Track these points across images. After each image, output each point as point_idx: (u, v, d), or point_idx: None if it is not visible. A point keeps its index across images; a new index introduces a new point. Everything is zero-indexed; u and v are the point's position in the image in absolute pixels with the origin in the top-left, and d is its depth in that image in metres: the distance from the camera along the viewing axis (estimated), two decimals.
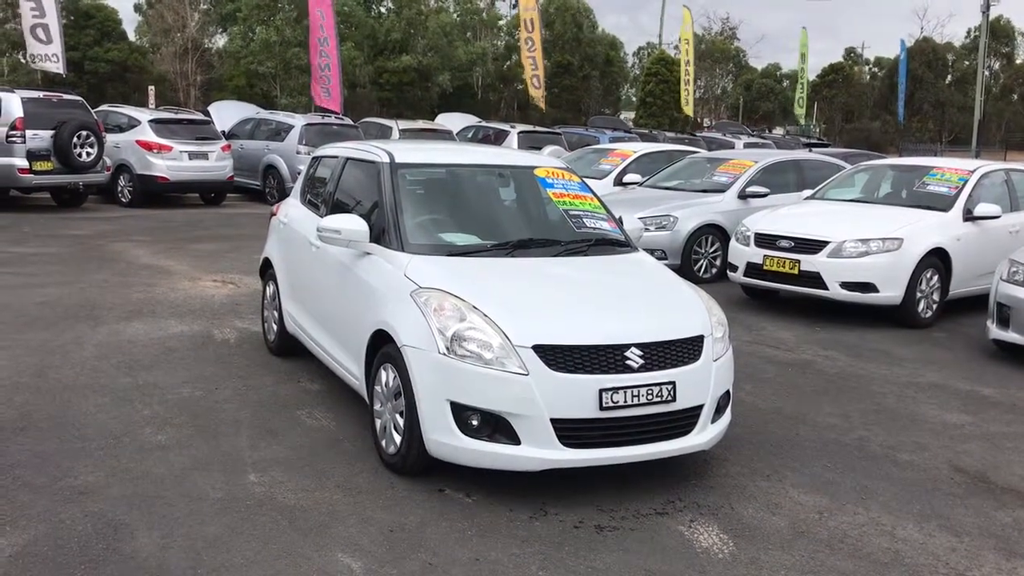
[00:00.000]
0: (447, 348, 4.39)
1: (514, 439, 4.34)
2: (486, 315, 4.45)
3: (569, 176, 5.96)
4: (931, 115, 74.95)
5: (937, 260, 9.16)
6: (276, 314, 6.82)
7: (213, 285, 9.73)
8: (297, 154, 17.95)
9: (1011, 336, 7.73)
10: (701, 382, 4.65)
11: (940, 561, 4.09)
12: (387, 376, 4.78)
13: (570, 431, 4.34)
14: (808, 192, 11.03)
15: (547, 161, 6.18)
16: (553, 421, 4.30)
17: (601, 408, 4.33)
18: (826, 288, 8.97)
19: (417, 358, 4.48)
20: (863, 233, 9.01)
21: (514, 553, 3.99)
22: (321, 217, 5.94)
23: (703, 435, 4.69)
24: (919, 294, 9.03)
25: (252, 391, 6.11)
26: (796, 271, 9.12)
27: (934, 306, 9.23)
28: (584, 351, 4.37)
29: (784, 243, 9.29)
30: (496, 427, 4.36)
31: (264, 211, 17.08)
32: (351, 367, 5.31)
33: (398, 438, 4.69)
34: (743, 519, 4.44)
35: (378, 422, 4.93)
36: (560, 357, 4.34)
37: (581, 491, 4.60)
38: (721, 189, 11.85)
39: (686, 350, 4.63)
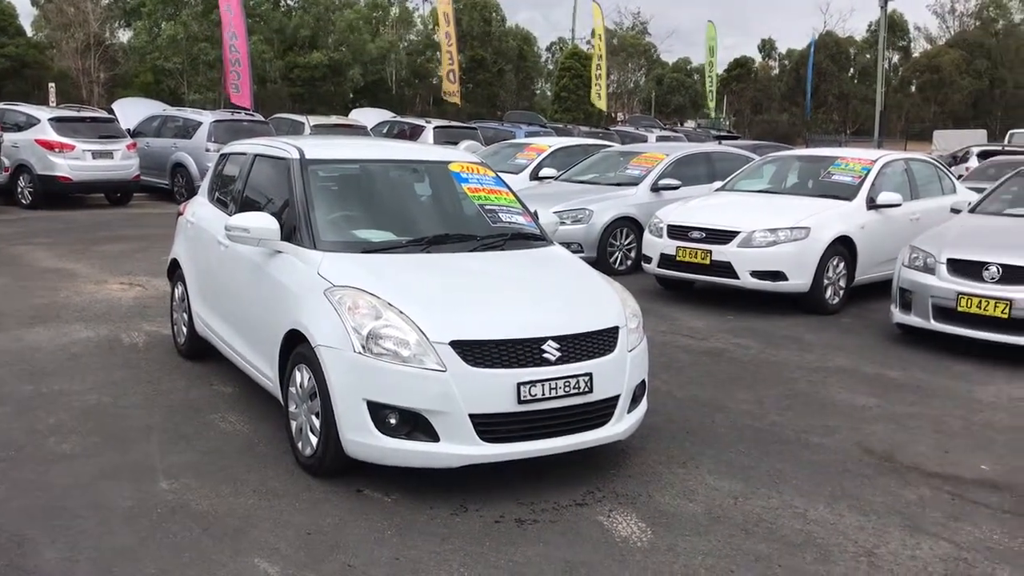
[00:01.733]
0: (363, 347, 4.34)
1: (433, 436, 4.31)
2: (402, 312, 4.41)
3: (484, 171, 5.95)
4: (835, 107, 77.20)
5: (843, 248, 9.42)
6: (185, 316, 6.65)
7: (120, 288, 9.44)
8: (206, 152, 17.55)
9: (913, 320, 7.99)
10: (617, 373, 4.69)
11: (849, 540, 4.21)
12: (302, 377, 4.70)
13: (489, 426, 4.33)
14: (719, 184, 11.23)
15: (462, 156, 6.15)
16: (472, 416, 4.29)
17: (519, 402, 4.33)
18: (737, 277, 9.15)
19: (332, 358, 4.41)
20: (771, 223, 9.21)
21: (435, 551, 3.96)
22: (230, 216, 5.82)
23: (620, 425, 4.73)
24: (826, 281, 9.28)
25: (162, 396, 5.95)
26: (708, 261, 9.28)
27: (840, 292, 9.50)
28: (501, 345, 4.37)
29: (696, 234, 9.44)
30: (414, 425, 4.33)
31: (173, 211, 16.58)
32: (264, 369, 5.21)
33: (314, 439, 4.62)
34: (660, 507, 4.50)
35: (293, 424, 4.85)
36: (477, 352, 4.33)
37: (501, 486, 4.60)
38: (634, 182, 11.98)
39: (601, 342, 4.66)
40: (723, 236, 9.25)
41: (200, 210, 6.60)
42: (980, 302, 7.48)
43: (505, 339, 4.38)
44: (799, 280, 9.10)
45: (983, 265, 7.58)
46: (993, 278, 7.48)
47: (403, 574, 3.77)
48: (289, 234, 5.15)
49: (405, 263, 4.97)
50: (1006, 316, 7.36)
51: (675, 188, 11.67)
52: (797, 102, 72.69)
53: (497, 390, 4.31)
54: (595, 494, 4.61)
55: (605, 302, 4.92)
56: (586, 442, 4.59)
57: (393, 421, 4.33)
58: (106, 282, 9.71)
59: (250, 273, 5.40)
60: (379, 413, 4.33)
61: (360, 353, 4.33)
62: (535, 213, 5.92)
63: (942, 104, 74.67)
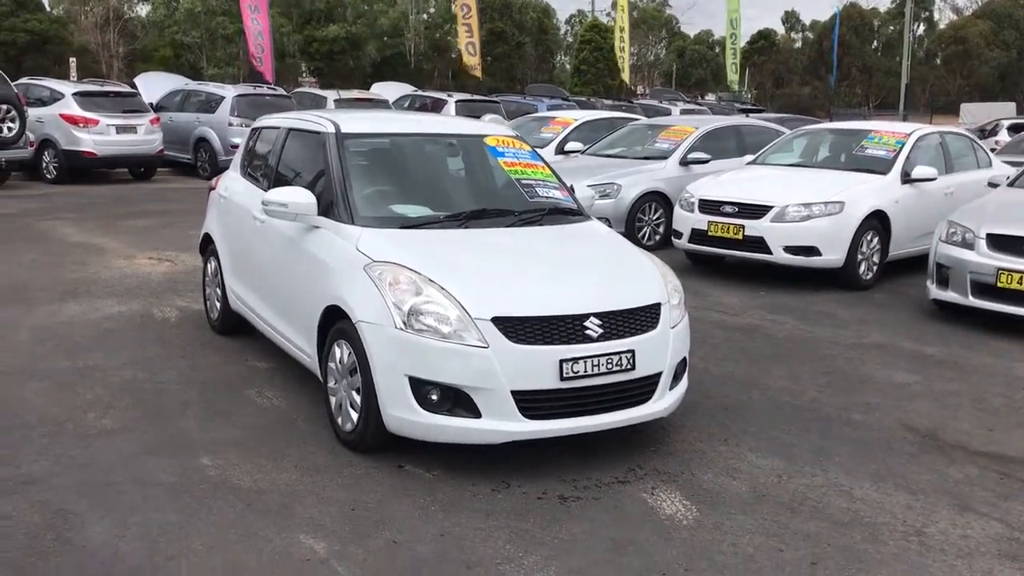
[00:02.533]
0: (404, 323, 4.30)
1: (475, 412, 4.28)
2: (443, 288, 4.37)
3: (519, 144, 5.88)
4: (858, 80, 76.34)
5: (877, 223, 9.30)
6: (219, 291, 6.63)
7: (149, 263, 9.45)
8: (229, 126, 17.55)
9: (950, 296, 7.88)
10: (659, 349, 4.63)
11: (897, 519, 4.16)
12: (341, 352, 4.67)
13: (531, 402, 4.29)
14: (749, 157, 11.11)
15: (497, 129, 6.08)
16: (514, 393, 4.25)
17: (561, 378, 4.29)
18: (770, 252, 9.06)
19: (373, 334, 4.38)
20: (805, 197, 9.09)
21: (479, 527, 3.94)
22: (264, 190, 5.79)
23: (662, 402, 4.68)
24: (860, 256, 9.17)
25: (198, 371, 5.94)
26: (740, 236, 9.18)
27: (874, 268, 9.39)
28: (543, 322, 4.32)
29: (728, 209, 9.34)
30: (456, 401, 4.30)
31: (197, 185, 16.69)
32: (302, 344, 5.19)
33: (355, 415, 4.60)
34: (704, 484, 4.46)
35: (333, 400, 4.83)
36: (519, 329, 4.28)
37: (543, 463, 4.57)
38: (663, 156, 11.86)
39: (644, 318, 4.61)
40: (756, 211, 9.14)
41: (233, 184, 6.57)
42: (1021, 278, 7.36)
43: (547, 316, 4.34)
44: (833, 255, 8.99)
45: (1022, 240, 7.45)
46: None
47: (449, 550, 3.75)
48: (326, 209, 5.11)
49: (443, 239, 4.92)
50: None
51: (704, 162, 11.54)
52: (819, 75, 71.97)
53: (539, 367, 4.27)
54: (637, 471, 4.57)
55: (647, 278, 4.86)
56: (628, 419, 4.55)
57: (435, 397, 4.30)
58: (135, 257, 9.72)
59: (287, 248, 5.37)
60: (421, 389, 4.30)
61: (401, 329, 4.30)
62: (571, 187, 5.85)
63: (968, 77, 73.73)
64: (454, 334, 4.25)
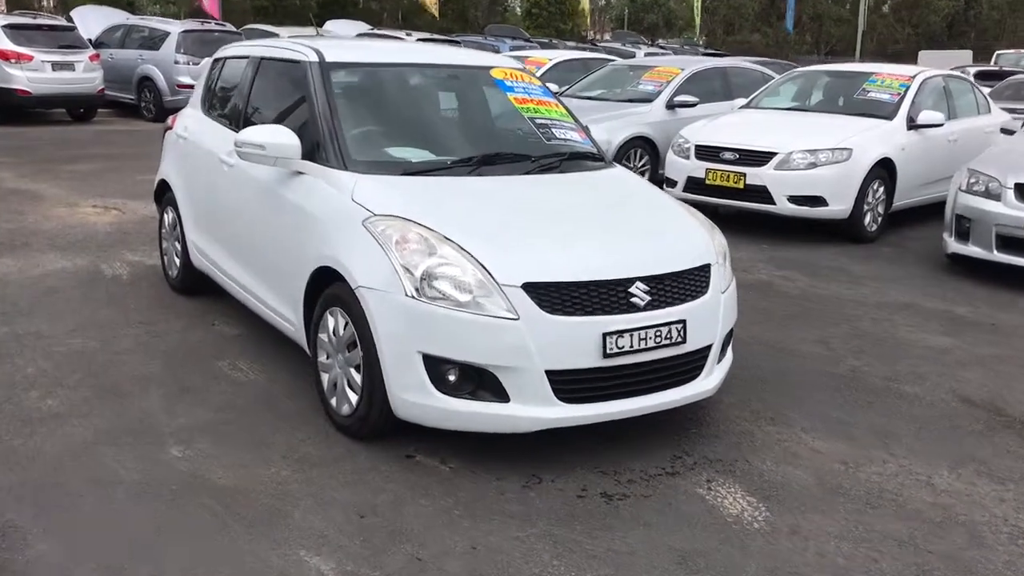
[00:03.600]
0: (416, 289, 3.58)
1: (501, 396, 3.59)
2: (462, 248, 3.65)
3: (529, 79, 5.12)
4: (808, 28, 75.88)
5: (883, 171, 8.72)
6: (179, 246, 5.82)
7: (94, 212, 8.54)
8: (176, 64, 16.41)
9: (972, 250, 7.35)
10: (710, 318, 3.99)
11: (996, 516, 3.59)
12: (335, 323, 3.94)
13: (568, 384, 3.62)
14: (741, 101, 10.44)
15: (503, 61, 5.31)
16: (548, 373, 3.57)
17: (604, 355, 3.62)
18: (773, 203, 8.44)
19: (378, 302, 3.65)
20: (811, 143, 8.47)
21: (516, 537, 3.28)
22: (234, 130, 4.99)
23: (710, 379, 4.05)
24: (866, 207, 8.60)
25: (158, 339, 5.16)
26: (741, 185, 8.54)
27: (879, 219, 8.84)
28: (583, 288, 3.63)
29: (728, 155, 8.68)
30: (479, 382, 3.61)
31: (142, 128, 15.61)
32: (284, 311, 4.44)
33: (354, 397, 3.89)
34: (764, 475, 3.84)
35: (325, 377, 4.11)
36: (555, 297, 3.59)
37: (573, 451, 3.91)
38: (647, 99, 11.12)
39: (694, 282, 3.95)
40: (758, 157, 8.50)
41: (194, 124, 5.72)
42: None
43: (587, 281, 3.65)
44: (840, 206, 8.40)
45: None
46: None
47: (485, 568, 3.09)
48: (310, 152, 4.33)
49: (453, 188, 4.18)
50: None
51: (692, 105, 10.84)
52: (770, 22, 71.31)
53: (579, 342, 3.60)
54: (684, 460, 3.94)
55: (693, 234, 4.19)
56: (675, 401, 3.91)
57: (453, 378, 3.61)
58: (77, 205, 8.79)
59: (264, 198, 4.58)
60: (437, 369, 3.60)
61: (413, 297, 3.58)
62: (588, 129, 5.13)
63: (916, 26, 73.68)
64: (476, 303, 3.55)
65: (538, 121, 4.82)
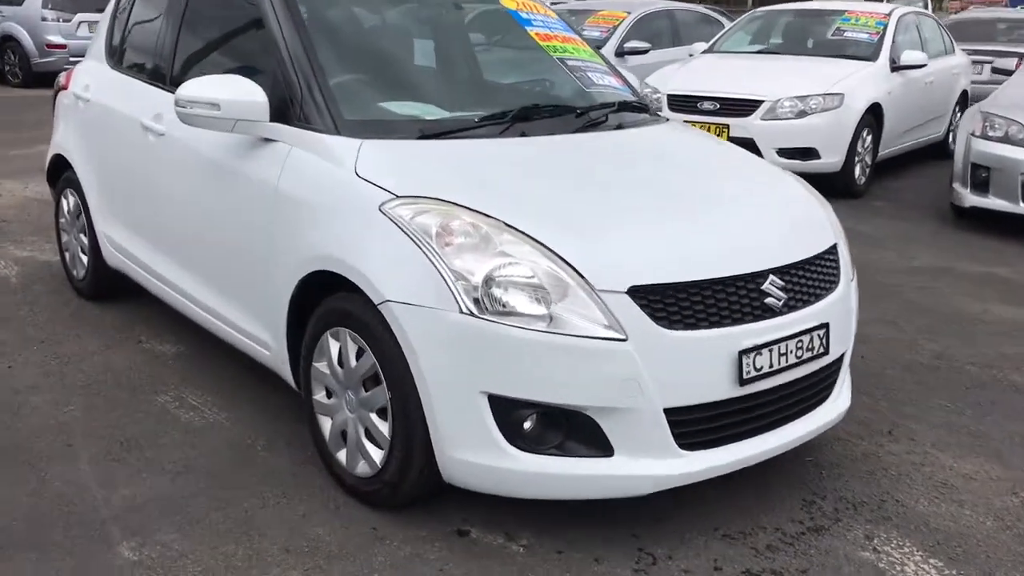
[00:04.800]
0: (476, 303, 2.48)
1: (602, 447, 2.54)
2: (535, 240, 2.55)
3: (545, 10, 4.01)
4: None
5: (872, 118, 7.94)
6: (85, 239, 4.54)
7: None
8: (43, 21, 14.47)
9: (994, 203, 6.62)
10: (846, 317, 3.02)
11: None
12: (343, 351, 2.82)
13: (693, 424, 2.60)
14: (697, 46, 9.50)
15: None
16: (667, 412, 2.53)
17: (741, 381, 2.60)
18: (760, 156, 7.52)
19: (418, 323, 2.54)
20: (799, 89, 7.61)
21: None
22: (160, 85, 3.75)
23: (843, 397, 3.09)
24: (856, 158, 7.81)
25: (70, 364, 3.91)
26: (724, 138, 7.61)
27: (867, 171, 8.07)
28: (708, 290, 2.60)
29: (707, 105, 7.74)
30: (570, 431, 2.55)
31: (7, 95, 13.72)
32: (253, 330, 3.27)
33: (377, 453, 2.77)
34: (928, 521, 2.91)
35: (325, 422, 2.98)
36: (673, 304, 2.55)
37: (676, 505, 2.89)
38: (595, 46, 10.04)
39: (827, 271, 2.97)
40: (742, 106, 7.60)
41: (99, 81, 4.39)
42: None
43: (712, 279, 2.62)
44: (833, 157, 7.59)
45: None
46: None
47: None
48: (281, 112, 3.13)
49: (491, 154, 3.06)
50: None
51: (644, 52, 9.87)
52: None
53: (708, 365, 2.57)
54: (819, 506, 2.98)
55: (807, 207, 3.20)
56: (812, 431, 2.92)
57: (533, 427, 2.53)
58: None
59: (215, 177, 3.37)
60: (510, 415, 2.52)
61: (472, 314, 2.48)
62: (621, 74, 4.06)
63: None
64: (562, 319, 2.47)
65: (569, 63, 3.73)
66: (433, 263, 2.54)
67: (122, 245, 4.16)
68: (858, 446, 3.38)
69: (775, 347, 2.67)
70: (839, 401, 3.03)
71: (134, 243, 4.05)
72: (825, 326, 2.83)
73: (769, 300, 2.69)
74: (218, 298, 3.45)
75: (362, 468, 2.85)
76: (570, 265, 2.51)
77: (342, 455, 2.93)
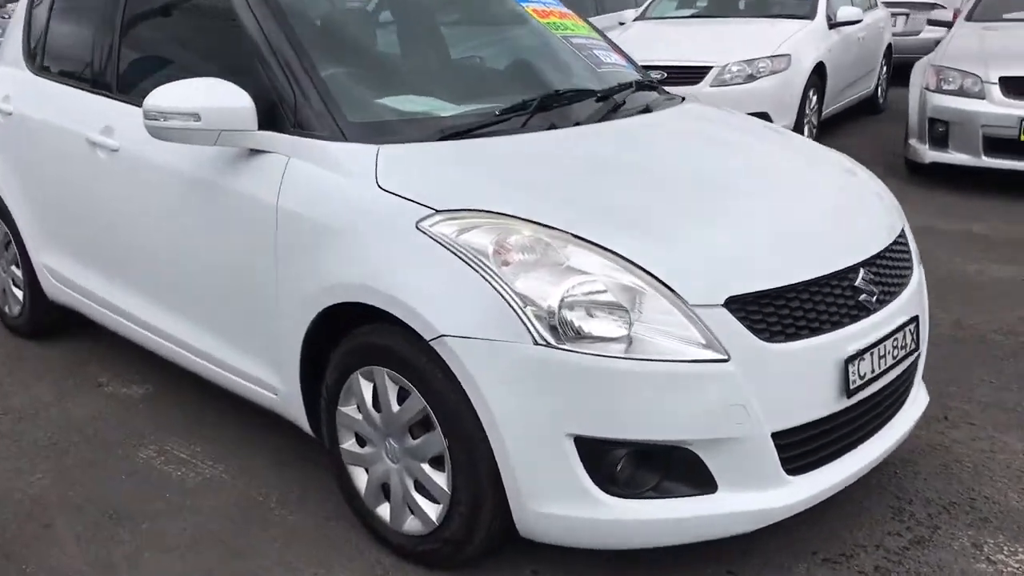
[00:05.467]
0: (552, 330, 2.12)
1: (704, 484, 2.22)
2: (611, 251, 2.20)
3: None
4: None
5: (816, 78, 7.80)
6: (18, 272, 3.98)
7: None
8: None
9: (955, 157, 6.54)
10: (921, 304, 2.75)
11: None
12: (377, 393, 2.43)
13: (798, 446, 2.29)
14: (625, 14, 9.23)
15: None
16: (774, 437, 2.22)
17: (848, 392, 2.31)
18: None
19: (484, 360, 2.17)
20: (746, 52, 7.40)
21: None
22: (102, 94, 3.26)
23: (921, 392, 2.84)
24: (804, 119, 7.66)
25: (24, 421, 3.40)
26: None
27: (814, 131, 7.94)
28: (804, 293, 2.30)
29: (654, 75, 7.42)
30: (668, 469, 2.21)
31: None
32: (254, 372, 2.84)
33: (432, 509, 2.40)
34: None
35: (358, 474, 2.60)
36: (771, 314, 2.24)
37: (750, 533, 2.60)
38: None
39: (902, 258, 2.71)
40: (690, 74, 7.33)
41: (23, 90, 3.82)
42: None
43: (806, 281, 2.31)
44: (784, 120, 7.38)
45: None
46: None
47: None
48: (270, 118, 2.69)
49: (528, 153, 2.68)
50: None
51: None
52: None
53: (814, 379, 2.28)
54: (909, 512, 2.74)
55: (872, 189, 2.94)
56: (904, 432, 2.65)
57: (624, 468, 2.20)
58: None
59: (191, 196, 2.91)
60: (602, 458, 2.17)
61: (548, 345, 2.12)
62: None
63: None
64: (653, 342, 2.13)
65: (574, 41, 3.36)
66: (495, 287, 2.17)
67: (68, 277, 3.65)
68: (920, 437, 3.14)
69: (875, 349, 2.39)
70: (919, 396, 2.78)
71: (85, 275, 3.54)
72: (915, 319, 2.57)
73: (863, 297, 2.40)
74: (205, 336, 3.00)
75: (412, 525, 2.47)
76: (656, 278, 2.17)
77: (384, 511, 2.55)
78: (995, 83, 6.31)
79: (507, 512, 2.27)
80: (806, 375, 2.26)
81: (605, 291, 2.15)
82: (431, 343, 2.23)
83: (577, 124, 2.87)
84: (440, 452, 2.33)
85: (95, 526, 2.73)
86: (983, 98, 6.34)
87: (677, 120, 3.12)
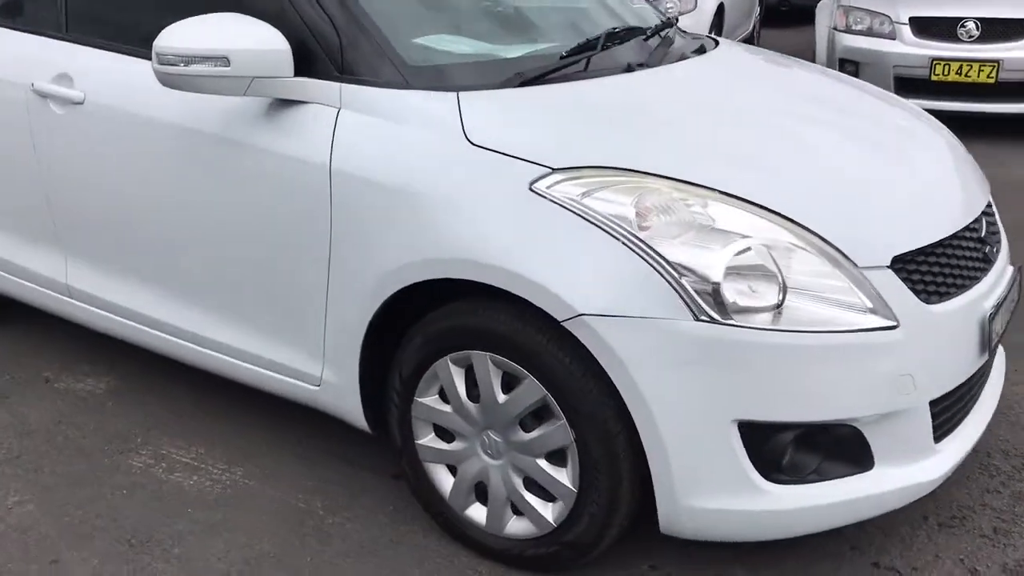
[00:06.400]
0: (717, 304, 1.86)
1: (863, 461, 2.03)
2: (771, 210, 1.96)
3: None
4: None
5: (717, 19, 7.75)
6: None
7: None
8: None
9: None
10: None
11: None
12: (476, 380, 2.11)
13: (944, 413, 2.15)
14: None
15: None
16: (931, 405, 2.06)
17: (989, 350, 2.19)
18: None
19: (633, 341, 1.89)
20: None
21: None
22: (51, 33, 2.72)
23: (1000, 357, 2.75)
24: None
25: None
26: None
27: None
28: (948, 248, 2.14)
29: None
30: (827, 449, 2.01)
31: None
32: (288, 361, 2.45)
33: (547, 508, 2.12)
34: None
35: (442, 473, 2.29)
36: (927, 272, 2.07)
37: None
38: None
39: (991, 208, 2.59)
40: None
41: None
42: (960, 67, 6.25)
43: (951, 236, 2.16)
44: None
45: (957, 22, 6.29)
46: (971, 36, 6.25)
47: None
48: (305, 63, 2.26)
49: (625, 100, 2.36)
50: (992, 81, 6.22)
51: None
52: None
53: (964, 339, 2.15)
54: (998, 467, 2.66)
55: (943, 133, 2.78)
56: (998, 390, 2.55)
57: (791, 454, 1.98)
58: None
59: (201, 157, 2.43)
60: (766, 443, 1.95)
61: (711, 320, 1.86)
62: None
63: None
64: (819, 312, 1.91)
65: None
66: (643, 256, 1.89)
67: (5, 259, 3.06)
68: None
69: (1003, 304, 2.26)
70: (1000, 356, 2.70)
71: (32, 255, 2.97)
72: (1020, 268, 2.47)
73: (988, 249, 2.27)
74: (215, 324, 2.55)
75: (519, 527, 2.18)
76: (820, 237, 1.94)
77: (476, 513, 2.24)
78: (905, 23, 6.41)
79: (641, 510, 2.01)
80: (959, 335, 2.11)
81: (766, 254, 1.90)
82: (564, 324, 1.92)
83: (642, 67, 2.58)
84: (562, 446, 2.04)
85: (116, 557, 2.29)
86: (894, 38, 6.43)
87: (748, 64, 2.90)
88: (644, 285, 1.88)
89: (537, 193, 1.98)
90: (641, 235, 1.90)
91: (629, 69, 2.49)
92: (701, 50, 2.86)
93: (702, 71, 2.68)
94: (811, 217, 1.96)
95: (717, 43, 3.05)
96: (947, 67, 6.25)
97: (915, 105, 2.95)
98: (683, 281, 1.87)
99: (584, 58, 2.43)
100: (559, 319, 1.92)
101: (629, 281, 1.89)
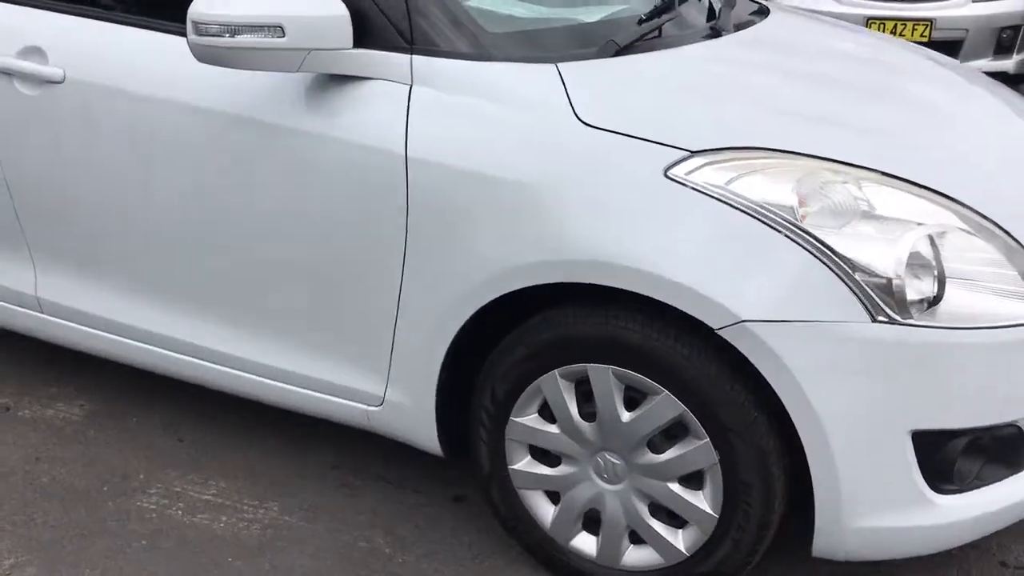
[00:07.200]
0: (898, 304, 1.64)
1: (1017, 461, 1.87)
2: (937, 192, 1.75)
3: None
4: None
5: None
6: None
7: None
8: None
9: None
10: None
11: None
12: (593, 397, 1.84)
13: None
14: None
15: None
16: None
17: None
18: None
19: (801, 347, 1.65)
20: None
21: None
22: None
23: None
24: None
25: None
26: None
27: None
28: None
29: None
30: (990, 452, 1.84)
31: None
32: (341, 380, 2.11)
33: (677, 536, 1.88)
34: None
35: (541, 501, 2.01)
36: None
37: None
38: None
39: None
40: None
41: None
42: (895, 26, 6.27)
43: None
44: None
45: None
46: None
47: None
48: (362, 32, 1.91)
49: (723, 70, 2.11)
50: (926, 40, 6.25)
51: None
52: None
53: None
54: None
55: None
56: None
57: (962, 462, 1.80)
58: None
59: (225, 149, 2.04)
60: (937, 453, 1.76)
61: (891, 322, 1.64)
62: None
63: None
64: (982, 305, 1.73)
65: None
66: (809, 251, 1.65)
67: None
68: None
69: None
70: None
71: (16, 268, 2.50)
72: None
73: None
74: (249, 341, 2.18)
75: (639, 557, 1.94)
76: (993, 222, 1.75)
77: (584, 543, 1.98)
78: None
79: (807, 535, 1.79)
80: None
81: (940, 243, 1.70)
82: (719, 332, 1.67)
83: (717, 34, 2.32)
84: (701, 468, 1.80)
85: None
86: None
87: (819, 30, 2.68)
88: (813, 283, 1.65)
89: (674, 180, 1.71)
90: (806, 227, 1.65)
91: (715, 34, 2.22)
92: (762, 11, 2.62)
93: (787, 37, 2.45)
94: (980, 200, 1.76)
95: (765, 6, 2.82)
96: (882, 26, 6.25)
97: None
98: (856, 277, 1.64)
99: (664, 22, 2.15)
100: (714, 327, 1.67)
101: (795, 280, 1.66)
